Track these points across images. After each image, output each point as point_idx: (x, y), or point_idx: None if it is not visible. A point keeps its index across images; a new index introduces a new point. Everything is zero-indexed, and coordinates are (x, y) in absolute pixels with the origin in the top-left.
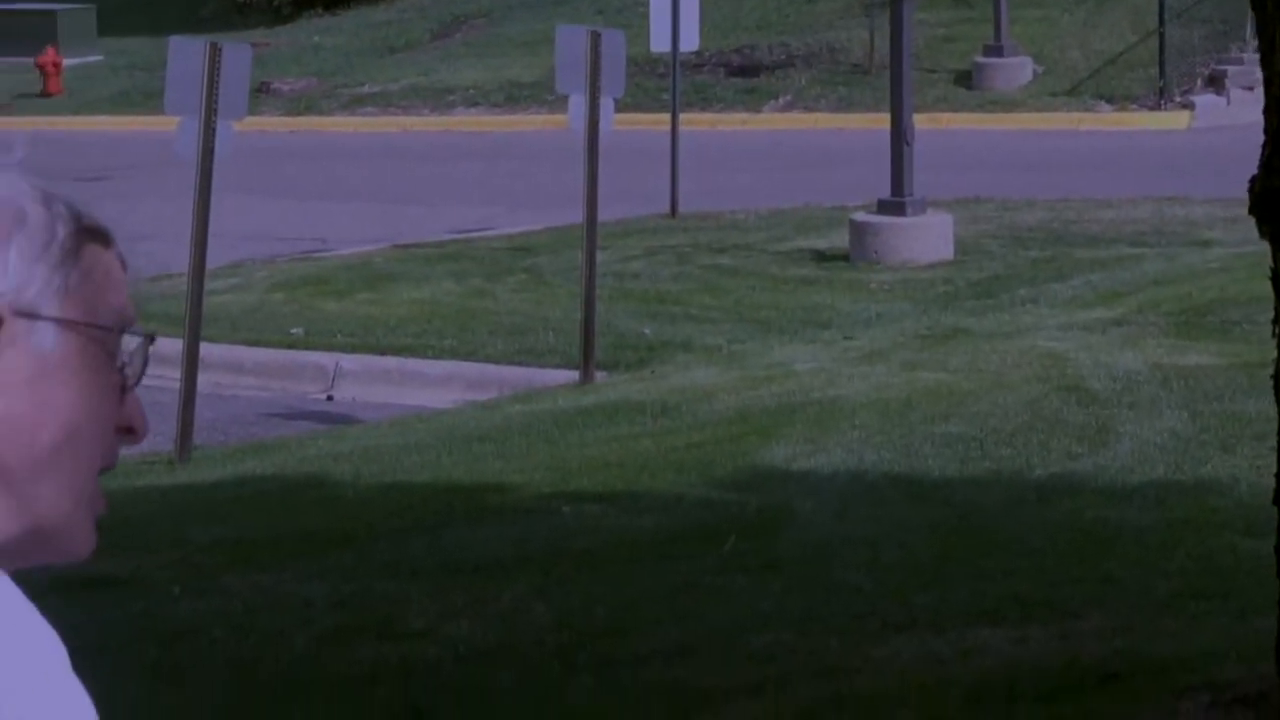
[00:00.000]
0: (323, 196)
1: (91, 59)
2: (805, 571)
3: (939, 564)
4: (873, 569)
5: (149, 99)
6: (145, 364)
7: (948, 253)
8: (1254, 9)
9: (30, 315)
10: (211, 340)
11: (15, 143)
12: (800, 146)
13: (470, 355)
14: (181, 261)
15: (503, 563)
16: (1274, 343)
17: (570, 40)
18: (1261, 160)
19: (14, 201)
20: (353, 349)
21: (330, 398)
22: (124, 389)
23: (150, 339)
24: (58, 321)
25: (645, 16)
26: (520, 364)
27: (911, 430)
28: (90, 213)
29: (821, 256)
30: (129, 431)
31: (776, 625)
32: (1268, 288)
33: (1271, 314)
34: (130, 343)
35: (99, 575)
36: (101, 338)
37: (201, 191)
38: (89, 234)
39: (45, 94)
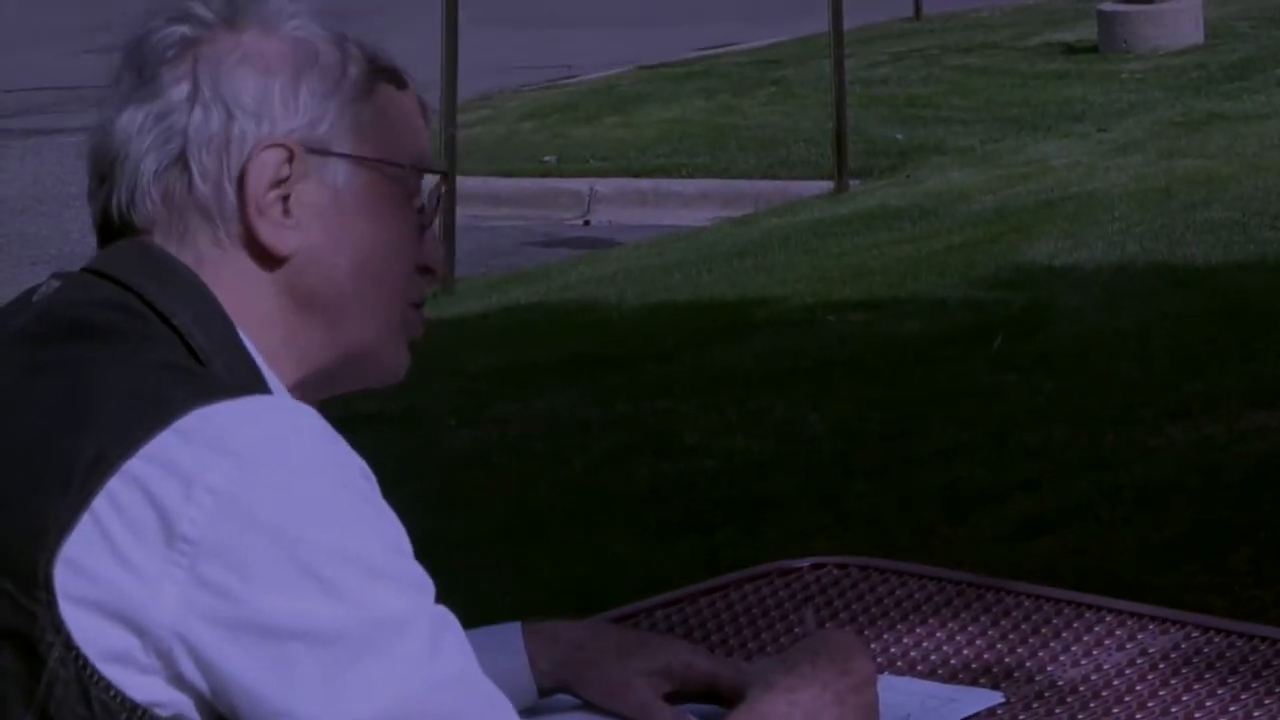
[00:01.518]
0: (563, 24)
1: None
2: (1075, 366)
3: (1209, 350)
4: (1143, 359)
5: None
6: (439, 204)
7: (1198, 37)
8: None
9: (322, 151)
10: (466, 174)
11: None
12: None
13: (723, 172)
14: (432, 96)
15: (773, 375)
16: None
17: None
18: None
19: (306, 42)
20: (605, 173)
21: (587, 222)
22: (421, 228)
23: (444, 177)
24: (350, 158)
25: None
26: (774, 178)
27: (1173, 218)
28: (386, 54)
29: (1070, 49)
30: (427, 271)
31: (1048, 421)
32: None
33: None
34: (427, 182)
35: (376, 411)
36: (397, 175)
37: (449, 22)
38: (384, 74)
39: None
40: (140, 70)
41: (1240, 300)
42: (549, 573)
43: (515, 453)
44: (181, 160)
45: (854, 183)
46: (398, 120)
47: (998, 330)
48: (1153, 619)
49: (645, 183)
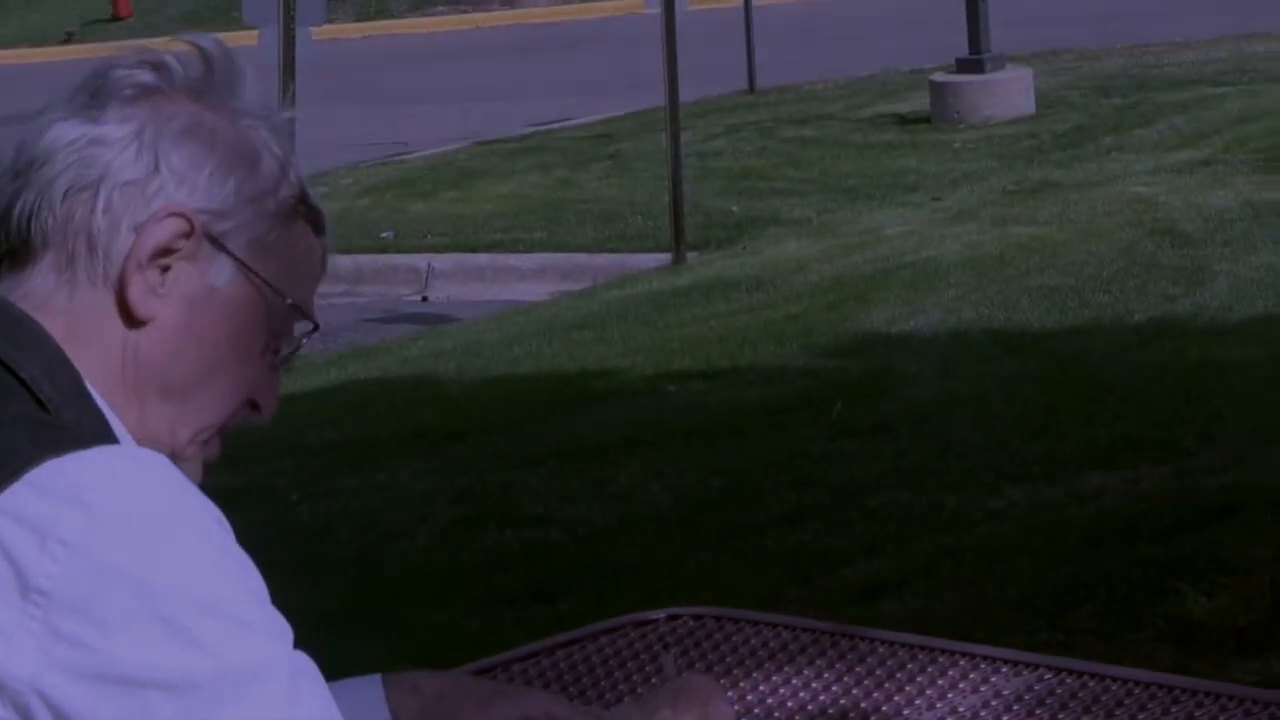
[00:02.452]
0: (401, 100)
1: None
2: (915, 431)
3: (1047, 414)
4: (982, 423)
5: (220, 15)
6: (296, 352)
7: (1029, 107)
8: None
9: (219, 244)
10: None
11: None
12: (873, 13)
13: (561, 246)
14: None
15: (614, 445)
16: None
17: None
18: None
19: (256, 145)
20: (443, 248)
21: (425, 298)
22: (272, 368)
23: (315, 328)
24: (240, 263)
25: None
26: (611, 251)
27: (1008, 285)
28: (317, 199)
29: (903, 120)
30: (255, 408)
31: (891, 485)
32: None
33: None
34: (298, 329)
35: (218, 486)
36: (275, 304)
37: (285, 100)
38: (308, 212)
39: (115, 18)
40: (95, 94)
41: (1076, 365)
42: (398, 644)
43: (359, 526)
44: (93, 188)
45: (691, 255)
46: (299, 258)
47: (837, 397)
48: (1005, 662)
49: (483, 257)
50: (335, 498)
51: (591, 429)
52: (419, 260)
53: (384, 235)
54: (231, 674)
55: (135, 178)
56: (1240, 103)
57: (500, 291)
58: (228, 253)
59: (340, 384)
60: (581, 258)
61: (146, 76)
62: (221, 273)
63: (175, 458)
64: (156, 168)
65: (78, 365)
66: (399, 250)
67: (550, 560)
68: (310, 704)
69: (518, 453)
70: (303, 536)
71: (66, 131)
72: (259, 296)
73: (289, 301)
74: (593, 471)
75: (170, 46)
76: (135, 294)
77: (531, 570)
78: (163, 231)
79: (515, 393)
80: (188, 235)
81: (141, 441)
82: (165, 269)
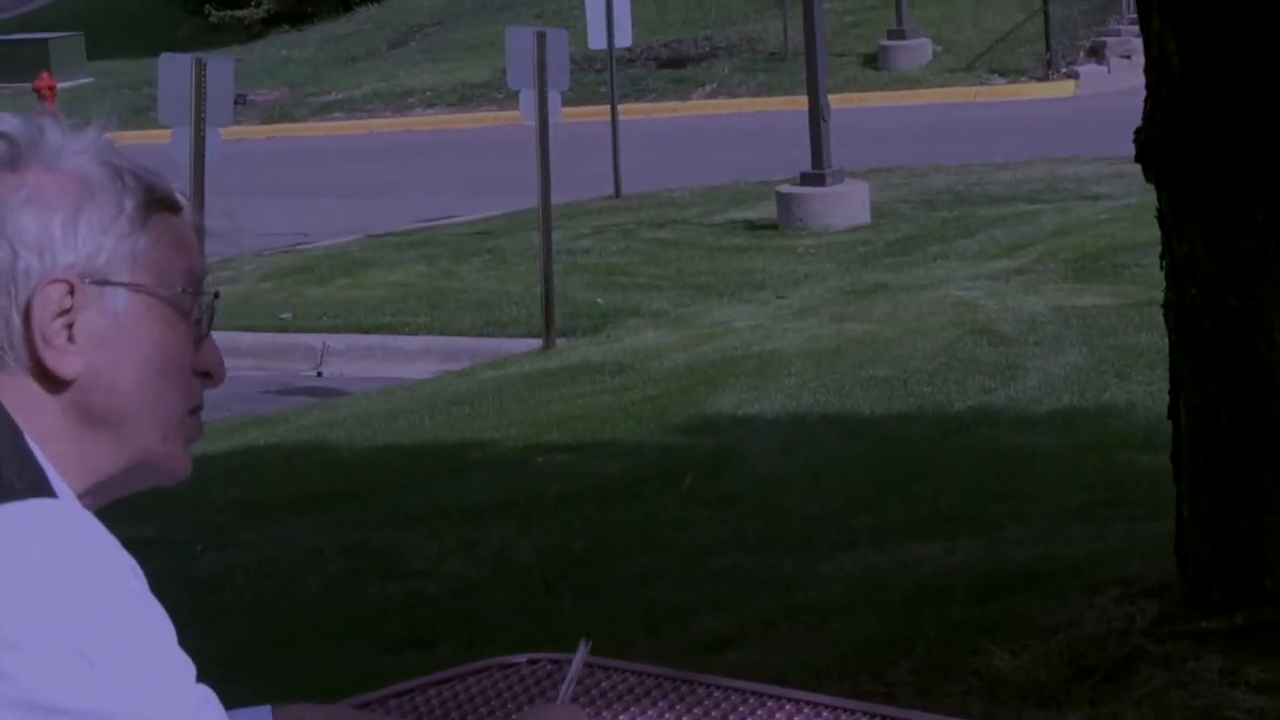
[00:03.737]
0: (301, 195)
1: (83, 81)
2: (757, 502)
3: (875, 490)
4: (817, 497)
5: (138, 114)
6: (213, 317)
7: (865, 217)
8: None
9: (101, 281)
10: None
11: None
12: (726, 129)
13: (443, 330)
14: None
15: (488, 508)
16: (1160, 281)
17: (519, 40)
18: (1144, 113)
19: (85, 178)
20: (337, 329)
21: (320, 374)
22: (199, 339)
23: (216, 296)
24: (128, 286)
25: (581, 17)
26: (488, 335)
27: (842, 375)
28: (161, 182)
29: (752, 226)
30: (207, 376)
31: (734, 550)
32: (1152, 234)
33: (1155, 257)
34: (204, 300)
35: (127, 538)
36: (172, 299)
37: (195, 195)
38: (159, 204)
39: (42, 109)
40: None
41: (901, 447)
42: (290, 684)
43: (258, 576)
44: None
45: (560, 340)
46: (172, 245)
47: (688, 471)
48: (826, 706)
49: (373, 338)
50: (236, 550)
51: (467, 493)
52: (315, 339)
53: (283, 316)
54: (140, 704)
55: (2, 270)
56: (1052, 219)
57: (388, 369)
58: (112, 284)
59: (243, 448)
60: (461, 341)
61: None
62: (118, 301)
63: (166, 459)
64: (16, 252)
65: (30, 435)
66: (297, 330)
67: (428, 610)
68: None
69: (401, 513)
70: (206, 584)
71: None
72: (157, 300)
73: (181, 289)
74: (468, 531)
75: None
76: (52, 362)
77: (411, 618)
78: (48, 302)
79: (400, 460)
80: (71, 292)
81: (130, 467)
82: (69, 326)
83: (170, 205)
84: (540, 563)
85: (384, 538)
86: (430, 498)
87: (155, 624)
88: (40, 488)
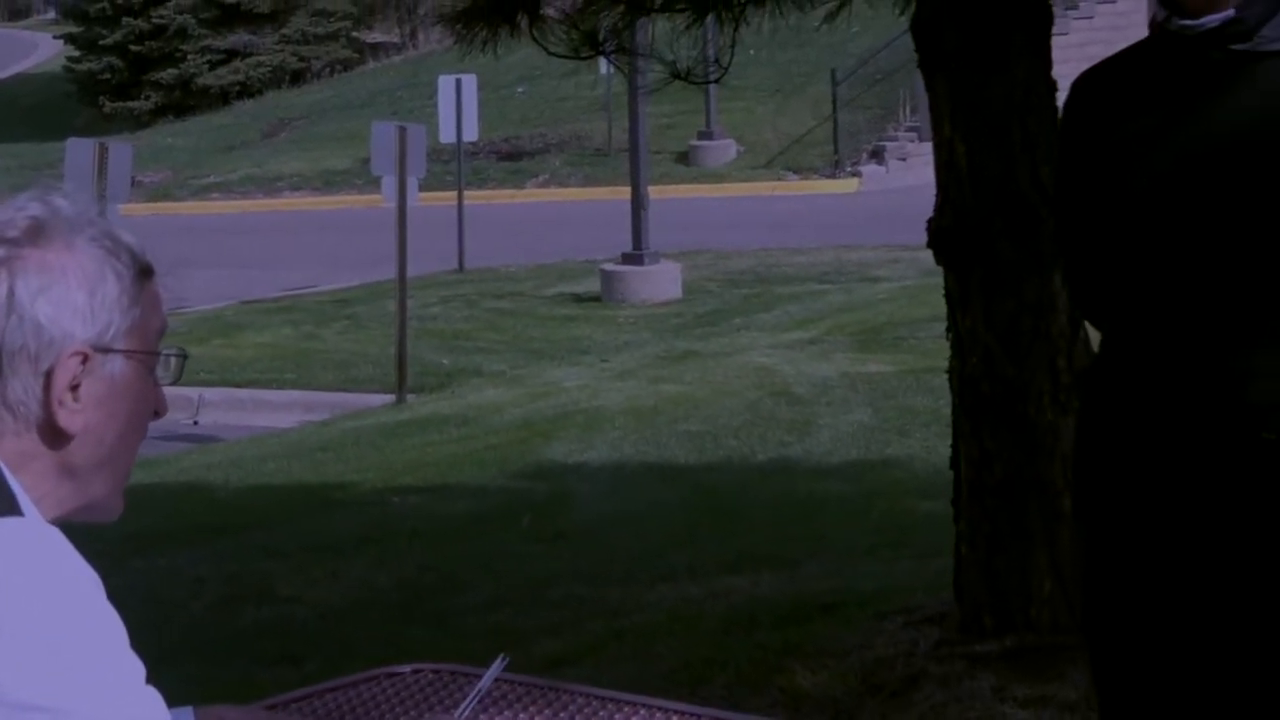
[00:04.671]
0: (181, 266)
1: None
2: (587, 539)
3: (690, 530)
4: (639, 535)
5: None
6: (180, 371)
7: (677, 293)
8: (927, 90)
9: (106, 350)
10: None
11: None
12: (557, 215)
13: (307, 385)
14: None
15: (350, 542)
16: (933, 351)
17: (383, 133)
18: (936, 206)
19: (100, 256)
20: (213, 384)
21: (196, 423)
22: (155, 385)
23: (183, 354)
24: (125, 353)
25: (434, 114)
26: (347, 390)
27: (659, 429)
28: (141, 251)
29: (579, 298)
30: (155, 414)
31: (568, 580)
32: (926, 311)
33: (928, 332)
34: (167, 350)
35: None
36: (151, 359)
37: None
38: (143, 273)
39: None
40: None
41: (712, 493)
42: (176, 697)
43: (145, 600)
44: None
45: (411, 396)
46: (151, 308)
47: (526, 511)
48: (676, 712)
49: (244, 392)
50: (125, 576)
51: (331, 529)
52: (192, 392)
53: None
54: (101, 703)
55: (25, 342)
56: (839, 297)
57: (257, 419)
58: (116, 351)
59: (130, 487)
60: (323, 395)
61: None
62: (115, 366)
63: (113, 502)
64: (40, 327)
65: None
66: (175, 385)
67: (298, 632)
68: None
69: (273, 546)
70: None
71: None
72: (141, 362)
73: (157, 351)
74: (332, 563)
75: (6, 208)
76: (64, 421)
77: (283, 639)
78: (66, 372)
79: (270, 499)
80: (85, 361)
81: (88, 505)
82: (76, 388)
83: (150, 272)
84: (397, 590)
85: (257, 567)
86: (298, 532)
87: (113, 629)
88: (11, 508)
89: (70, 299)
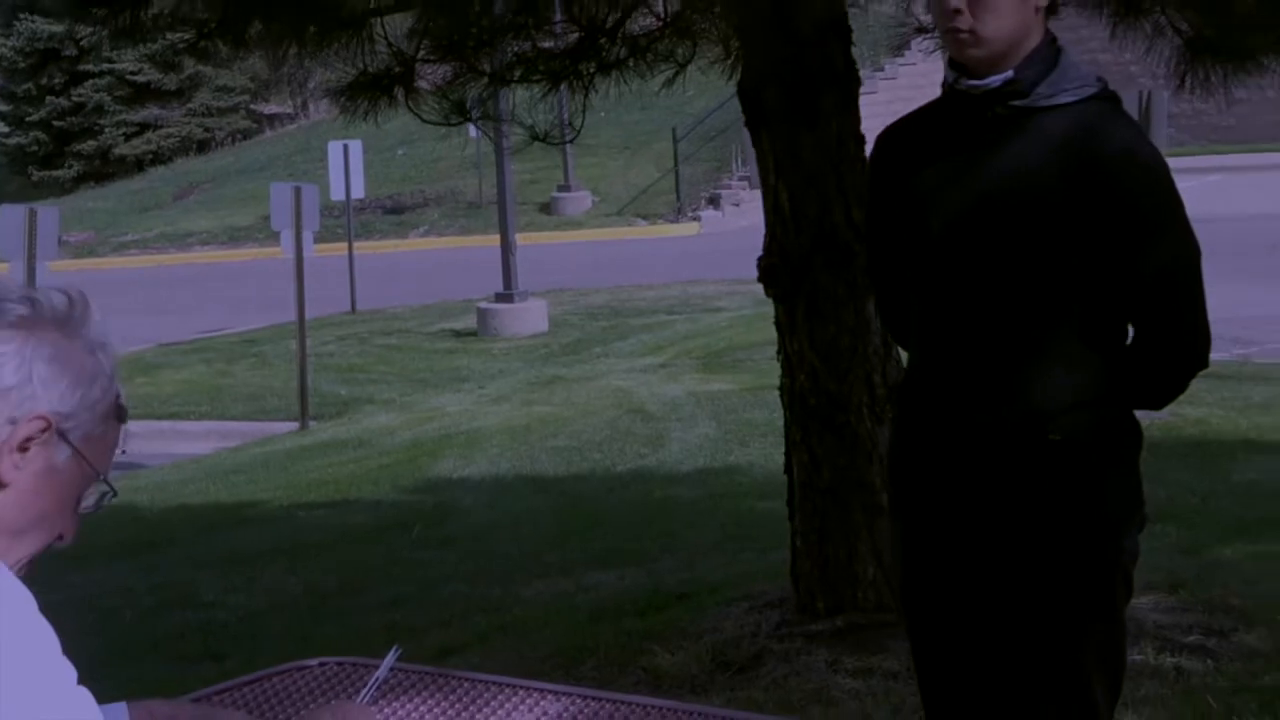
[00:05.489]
0: (104, 314)
1: None
2: (471, 544)
3: (560, 533)
4: (516, 539)
5: None
6: (99, 503)
7: (544, 327)
8: (754, 145)
9: (64, 436)
10: None
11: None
12: (437, 261)
13: (220, 416)
14: None
15: (263, 552)
16: (766, 371)
17: (281, 193)
18: (764, 246)
19: (97, 367)
20: (136, 417)
21: (124, 451)
22: (74, 512)
23: (112, 491)
24: (75, 451)
25: (325, 175)
26: (256, 420)
27: (532, 446)
28: (123, 396)
29: (458, 334)
30: (59, 538)
31: (455, 580)
32: (760, 336)
33: (763, 354)
34: (98, 488)
35: None
36: (88, 476)
37: None
38: (119, 411)
39: None
40: None
41: (579, 500)
42: (110, 695)
43: (82, 609)
44: None
45: (313, 423)
46: (106, 443)
47: (417, 521)
48: (551, 692)
49: (165, 424)
50: (63, 590)
51: (246, 542)
52: None
53: None
54: (35, 705)
55: (14, 384)
56: (685, 325)
57: (177, 447)
58: (70, 444)
59: None
60: (235, 424)
61: (24, 310)
62: (61, 455)
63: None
64: (30, 379)
65: None
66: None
67: (218, 633)
68: None
69: (195, 558)
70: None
71: None
72: (81, 473)
73: (100, 476)
74: (247, 571)
75: (41, 289)
76: (4, 467)
77: (205, 640)
78: (30, 428)
79: (191, 516)
80: (45, 430)
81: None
82: (25, 450)
83: (122, 416)
84: (305, 594)
85: (181, 578)
86: (216, 545)
87: (42, 641)
88: None
89: (63, 377)
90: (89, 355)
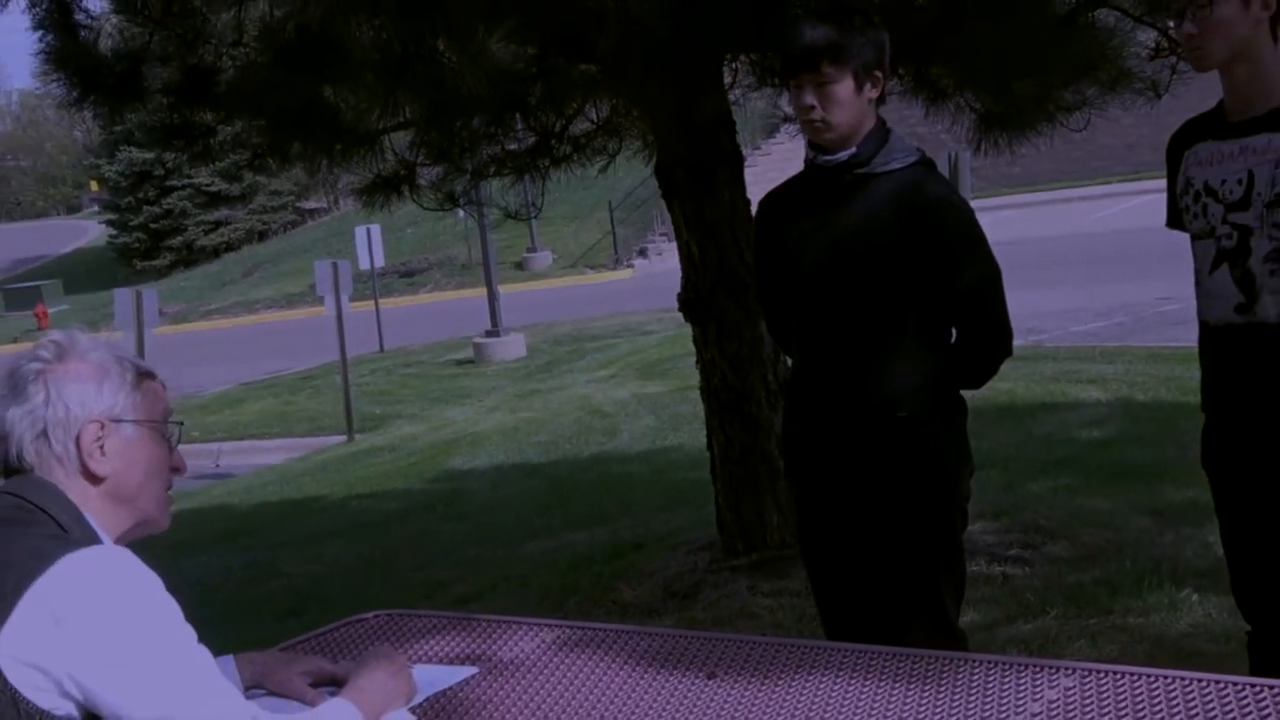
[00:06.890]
0: (195, 364)
1: (62, 308)
2: (482, 517)
3: (545, 505)
4: (515, 511)
5: (93, 326)
6: (180, 435)
7: (523, 353)
8: (669, 210)
9: (118, 420)
10: None
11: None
12: (440, 310)
13: (287, 434)
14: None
15: (327, 533)
16: (689, 376)
17: (323, 267)
18: (682, 284)
19: (104, 363)
20: (226, 439)
21: (218, 466)
22: (171, 447)
23: (180, 424)
24: (133, 421)
25: (354, 251)
26: (315, 435)
27: (520, 441)
28: (143, 364)
29: (460, 363)
30: (176, 469)
31: (470, 545)
32: (683, 350)
33: (685, 364)
34: (173, 428)
35: None
36: (157, 427)
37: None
38: (144, 375)
39: (40, 329)
40: (15, 387)
41: (558, 480)
42: (218, 650)
43: (192, 586)
44: (44, 434)
45: (358, 435)
46: (153, 396)
47: (438, 504)
48: (545, 625)
49: (247, 442)
50: (177, 573)
51: (314, 527)
52: (213, 446)
53: (194, 433)
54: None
55: (60, 417)
56: (627, 345)
57: (258, 460)
58: (124, 421)
59: (176, 511)
60: (299, 440)
61: (36, 365)
62: (128, 431)
63: (157, 520)
64: (68, 408)
65: (82, 509)
66: (202, 441)
67: (298, 595)
68: (204, 674)
69: (277, 540)
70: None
71: (14, 414)
72: (150, 430)
73: (160, 420)
74: (315, 548)
75: (41, 341)
76: (96, 468)
77: (287, 601)
78: (91, 435)
79: (273, 509)
80: (102, 428)
81: (142, 522)
82: (102, 446)
83: (149, 375)
84: (358, 563)
85: (268, 555)
86: (291, 530)
87: (172, 610)
88: (94, 540)
89: (86, 389)
90: (91, 364)
